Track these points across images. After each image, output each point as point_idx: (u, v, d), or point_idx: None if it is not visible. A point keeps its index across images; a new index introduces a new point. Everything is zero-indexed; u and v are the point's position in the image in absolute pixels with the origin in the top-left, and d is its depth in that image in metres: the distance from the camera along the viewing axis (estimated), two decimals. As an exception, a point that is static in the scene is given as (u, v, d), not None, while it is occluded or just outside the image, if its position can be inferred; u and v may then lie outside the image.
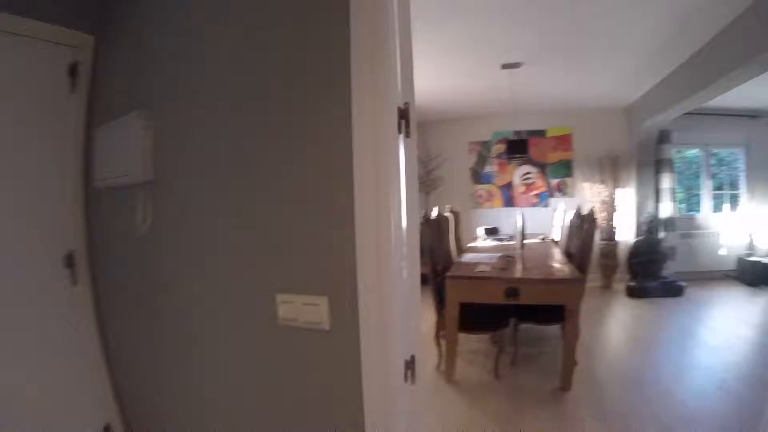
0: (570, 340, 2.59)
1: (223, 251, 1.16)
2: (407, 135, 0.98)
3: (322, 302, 1.00)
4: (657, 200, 5.35)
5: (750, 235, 5.57)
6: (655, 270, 5.01)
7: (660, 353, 3.34)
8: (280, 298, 1.05)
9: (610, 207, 5.50)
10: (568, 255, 3.65)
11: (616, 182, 5.51)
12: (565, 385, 2.58)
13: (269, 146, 1.05)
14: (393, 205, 0.95)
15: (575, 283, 2.64)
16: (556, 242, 4.54)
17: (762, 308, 4.37)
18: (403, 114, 0.95)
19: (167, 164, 1.23)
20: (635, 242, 5.31)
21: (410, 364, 1.01)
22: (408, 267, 1.00)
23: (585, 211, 4.11)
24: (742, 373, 2.85)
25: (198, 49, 1.19)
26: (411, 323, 1.04)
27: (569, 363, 2.59)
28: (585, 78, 4.28)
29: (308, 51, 0.98)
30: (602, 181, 5.54)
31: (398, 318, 0.97)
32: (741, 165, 5.80)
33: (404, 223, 0.98)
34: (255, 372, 1.14)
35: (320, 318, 1.01)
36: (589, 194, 5.61)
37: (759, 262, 5.19)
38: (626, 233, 5.56)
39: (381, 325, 0.97)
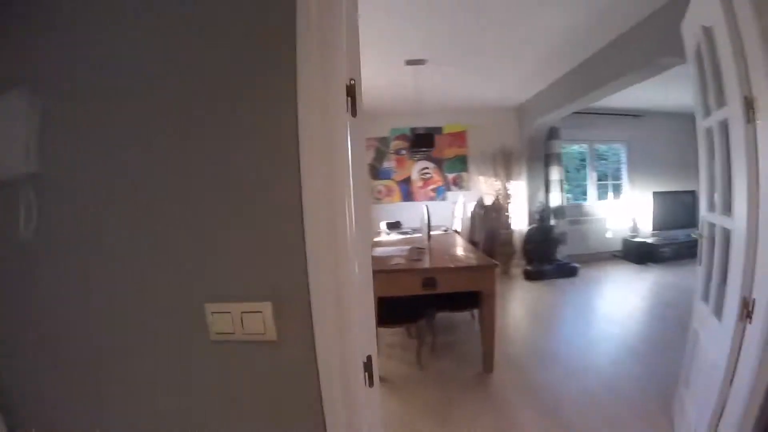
0: (488, 323, 2.71)
1: (134, 255, 0.93)
2: (354, 114, 0.90)
3: (266, 309, 0.87)
4: (547, 191, 5.90)
5: (632, 219, 6.43)
6: (549, 254, 5.53)
7: (568, 328, 3.68)
8: (210, 308, 0.88)
9: (505, 198, 5.95)
10: (473, 243, 3.84)
11: (509, 175, 5.97)
12: (488, 368, 2.70)
13: (195, 126, 0.88)
14: (346, 193, 0.86)
15: (489, 269, 2.76)
16: (459, 233, 4.77)
17: (649, 282, 5.07)
18: (350, 91, 0.87)
19: (61, 153, 0.97)
20: (529, 230, 5.79)
21: (368, 366, 0.94)
22: (360, 260, 0.92)
23: (488, 202, 4.35)
24: (646, 339, 3.26)
25: (106, 12, 0.94)
26: (366, 322, 0.97)
27: (490, 346, 2.71)
28: (484, 79, 4.51)
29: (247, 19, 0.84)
30: (496, 175, 5.97)
31: (356, 318, 0.89)
32: (623, 158, 6.63)
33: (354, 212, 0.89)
34: (186, 403, 0.94)
35: (263, 328, 0.87)
36: (484, 187, 6.01)
37: (642, 242, 6.04)
38: (520, 222, 6.05)
39: (339, 328, 0.87)
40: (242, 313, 0.87)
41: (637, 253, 6.00)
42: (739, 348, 1.41)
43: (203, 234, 0.88)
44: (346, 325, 0.88)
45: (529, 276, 5.38)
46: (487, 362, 2.71)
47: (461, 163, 6.19)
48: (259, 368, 0.90)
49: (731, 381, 1.46)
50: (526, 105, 5.72)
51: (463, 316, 3.63)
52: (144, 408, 0.95)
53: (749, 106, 1.32)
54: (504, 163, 5.94)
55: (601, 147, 6.63)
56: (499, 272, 5.73)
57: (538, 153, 5.89)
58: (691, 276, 5.07)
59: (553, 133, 5.70)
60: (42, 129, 0.92)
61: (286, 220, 0.85)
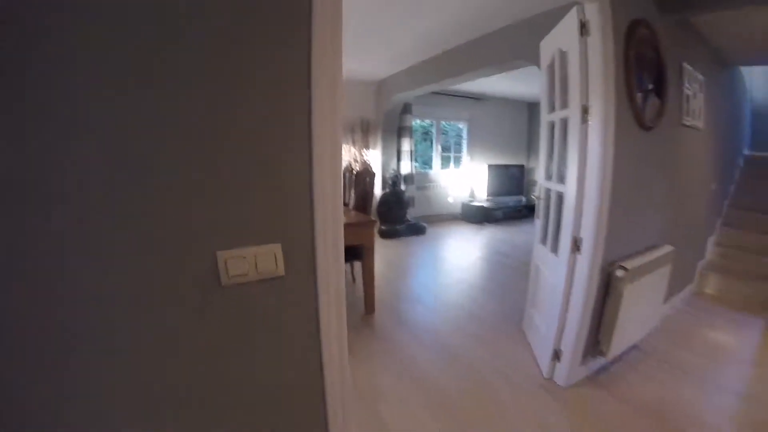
0: (369, 272, 3.15)
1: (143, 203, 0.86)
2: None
3: (277, 249, 1.03)
4: (399, 160, 6.61)
5: (470, 187, 7.69)
6: (400, 215, 6.28)
7: (425, 276, 4.39)
8: (226, 254, 0.96)
9: (366, 165, 6.45)
10: (345, 205, 4.22)
11: (366, 144, 6.49)
12: (370, 309, 3.16)
13: (209, 71, 0.89)
14: (339, 150, 1.11)
15: (370, 225, 3.16)
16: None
17: (486, 237, 6.23)
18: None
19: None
20: (383, 194, 6.43)
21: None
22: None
23: (358, 168, 4.74)
24: (491, 280, 4.17)
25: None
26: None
27: (371, 291, 3.16)
28: (352, 55, 4.68)
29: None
30: (354, 143, 6.41)
31: (343, 257, 1.16)
32: (464, 134, 7.73)
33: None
34: (200, 346, 0.98)
35: (275, 266, 1.03)
36: (344, 155, 6.41)
37: (478, 206, 7.31)
38: (376, 187, 6.67)
39: (335, 264, 1.13)
40: (257, 255, 1.00)
41: (474, 215, 7.27)
42: (573, 272, 2.15)
43: (224, 184, 0.94)
44: (339, 262, 1.14)
45: (384, 234, 6.05)
46: (369, 304, 3.17)
47: (323, 130, 6.39)
48: (270, 302, 1.06)
49: (569, 296, 2.19)
50: (387, 81, 6.16)
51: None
52: (156, 361, 0.93)
53: (585, 111, 1.99)
54: (362, 132, 6.39)
55: (446, 123, 7.61)
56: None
57: (393, 125, 6.51)
58: (517, 232, 6.44)
59: (406, 108, 6.36)
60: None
61: (298, 171, 1.02)
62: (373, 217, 6.43)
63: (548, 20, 2.68)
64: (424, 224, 6.36)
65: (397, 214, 6.24)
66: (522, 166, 7.88)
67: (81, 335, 0.84)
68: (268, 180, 1.00)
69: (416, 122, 7.15)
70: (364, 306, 3.18)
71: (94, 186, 0.80)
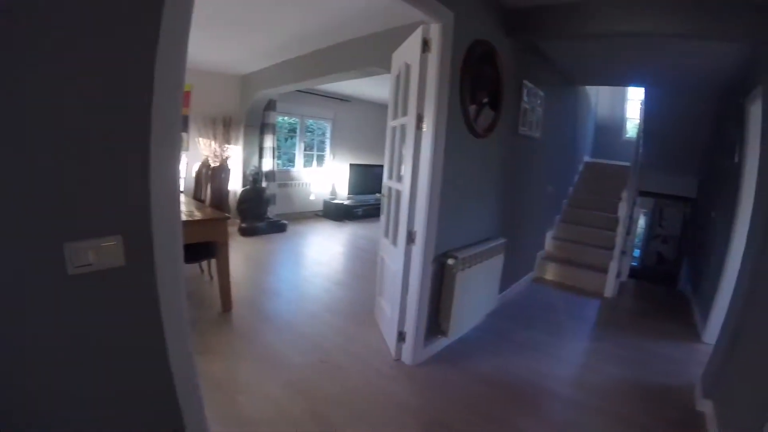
0: (224, 268, 3.12)
1: None
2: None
3: (118, 240, 1.07)
4: (261, 156, 6.51)
5: (332, 185, 7.84)
6: (261, 213, 6.20)
7: (284, 271, 4.47)
8: (71, 246, 0.98)
9: (222, 161, 6.19)
10: (200, 201, 4.06)
11: (228, 140, 6.25)
12: (227, 307, 3.12)
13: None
14: (179, 140, 1.18)
15: (223, 221, 3.13)
16: (182, 191, 4.78)
17: (346, 234, 6.47)
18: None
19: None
20: (243, 191, 6.26)
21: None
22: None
23: (214, 164, 4.59)
24: (348, 272, 4.45)
25: None
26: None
27: (227, 288, 3.13)
28: (218, 46, 4.50)
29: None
30: (215, 138, 6.12)
31: (182, 249, 1.23)
32: (327, 133, 7.86)
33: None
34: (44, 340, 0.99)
35: (115, 257, 1.07)
36: (203, 149, 6.08)
37: (339, 203, 7.50)
38: (235, 184, 6.45)
39: (173, 256, 1.19)
40: (100, 246, 1.04)
41: (335, 213, 7.49)
42: (409, 261, 2.46)
43: (63, 174, 0.96)
44: (178, 254, 1.21)
45: (244, 232, 5.91)
46: (226, 302, 3.13)
47: (182, 123, 5.95)
48: (114, 291, 1.09)
49: (408, 283, 2.48)
50: (252, 77, 6.03)
51: (192, 269, 3.86)
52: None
53: (419, 119, 2.32)
54: (224, 127, 6.13)
55: (310, 121, 7.67)
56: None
57: (256, 121, 6.39)
58: (376, 228, 6.91)
59: (270, 105, 6.30)
60: None
61: (134, 161, 1.07)
62: (234, 214, 6.25)
63: (404, 32, 2.98)
64: (285, 222, 6.38)
65: (257, 211, 6.14)
66: (382, 167, 8.36)
67: None
68: (108, 173, 1.04)
69: (281, 119, 7.11)
70: (222, 303, 3.13)
71: None
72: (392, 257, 2.73)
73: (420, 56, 2.30)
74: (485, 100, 2.82)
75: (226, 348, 2.62)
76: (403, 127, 2.61)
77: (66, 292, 1.00)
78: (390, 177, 2.89)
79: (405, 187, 2.49)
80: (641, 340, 3.25)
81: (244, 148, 6.44)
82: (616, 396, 2.43)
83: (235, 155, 6.37)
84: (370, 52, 3.69)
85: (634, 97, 7.89)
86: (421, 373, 2.50)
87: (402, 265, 2.52)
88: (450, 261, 2.61)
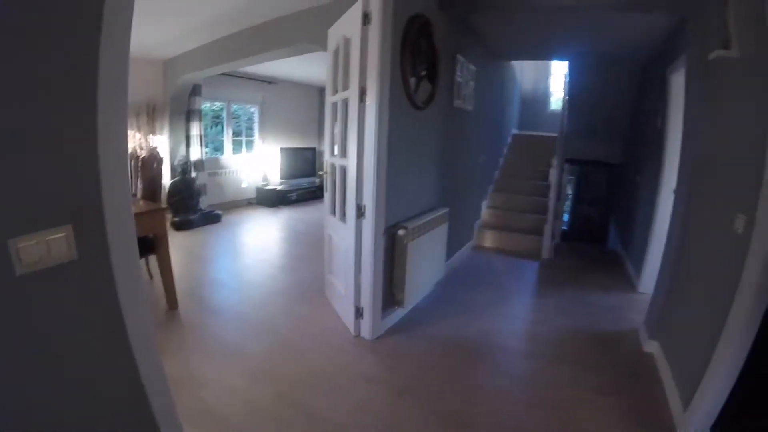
0: (166, 264, 2.94)
1: None
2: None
3: (68, 231, 0.97)
4: (188, 145, 6.12)
5: (264, 171, 7.51)
6: (193, 204, 5.86)
7: (225, 262, 4.29)
8: (16, 242, 0.86)
9: (152, 151, 5.74)
10: (132, 195, 3.77)
11: (153, 129, 5.80)
12: (173, 305, 2.96)
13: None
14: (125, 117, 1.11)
15: (160, 213, 2.92)
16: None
17: (282, 219, 6.32)
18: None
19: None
20: (172, 183, 5.87)
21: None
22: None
23: (142, 154, 4.27)
24: (289, 256, 4.37)
25: None
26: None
27: (171, 285, 2.95)
28: (142, 27, 4.14)
29: None
30: (139, 128, 5.66)
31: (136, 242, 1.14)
32: (255, 118, 7.51)
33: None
34: None
35: (66, 250, 0.96)
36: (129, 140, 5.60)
37: (273, 189, 7.25)
38: (163, 175, 6.02)
39: (128, 248, 1.11)
40: (48, 239, 0.92)
41: (269, 199, 7.25)
42: (360, 236, 2.46)
43: (11, 165, 0.86)
44: (133, 243, 1.13)
45: (178, 226, 5.56)
46: (171, 299, 2.96)
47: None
48: (65, 292, 0.98)
49: (361, 258, 2.49)
50: (174, 61, 5.63)
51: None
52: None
53: (363, 92, 2.30)
54: (147, 117, 5.67)
55: (237, 106, 7.31)
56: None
57: (181, 108, 5.98)
58: (313, 211, 6.78)
59: (195, 90, 5.91)
60: None
61: (84, 147, 0.97)
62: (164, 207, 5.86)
63: (337, 8, 2.90)
64: (219, 212, 6.10)
65: (188, 203, 5.80)
66: (314, 149, 8.24)
67: None
68: (55, 158, 0.94)
69: (206, 105, 6.72)
70: (167, 301, 2.95)
71: None
72: (341, 234, 2.73)
73: (361, 29, 2.28)
74: (423, 72, 2.88)
75: (180, 346, 2.50)
76: (344, 102, 2.58)
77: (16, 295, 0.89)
78: (333, 153, 2.86)
79: (351, 161, 2.49)
80: (582, 294, 3.57)
81: (170, 138, 6.04)
82: (566, 344, 2.67)
83: (161, 145, 5.93)
84: (301, 29, 3.59)
85: (557, 71, 8.42)
86: (381, 346, 2.56)
87: (353, 241, 2.53)
88: (401, 232, 2.66)
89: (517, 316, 3.11)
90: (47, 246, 0.93)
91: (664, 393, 2.14)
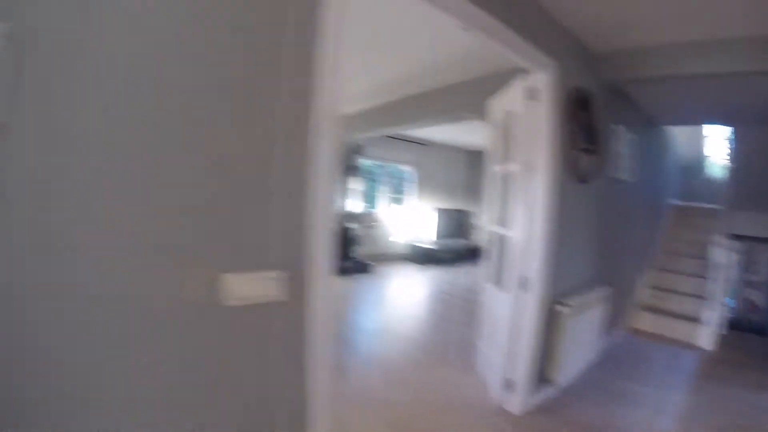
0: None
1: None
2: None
3: (279, 275, 1.14)
4: (346, 198, 6.81)
5: (417, 228, 7.91)
6: (346, 253, 6.40)
7: (374, 310, 4.54)
8: (229, 278, 1.06)
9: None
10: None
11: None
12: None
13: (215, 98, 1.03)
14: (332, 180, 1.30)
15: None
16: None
17: (429, 277, 6.47)
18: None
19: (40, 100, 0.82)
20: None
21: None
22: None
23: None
24: (437, 315, 4.44)
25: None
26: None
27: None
28: None
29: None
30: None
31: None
32: (411, 177, 8.02)
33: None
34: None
35: (275, 291, 1.14)
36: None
37: (423, 247, 7.56)
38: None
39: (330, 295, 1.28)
40: (256, 280, 1.11)
41: (419, 256, 7.50)
42: (521, 308, 2.40)
43: (231, 216, 1.07)
44: (330, 290, 1.29)
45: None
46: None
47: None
48: (273, 327, 1.17)
49: (518, 328, 2.41)
50: (346, 120, 6.44)
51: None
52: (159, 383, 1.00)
53: (529, 166, 2.33)
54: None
55: (393, 165, 7.87)
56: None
57: (343, 165, 6.74)
58: (460, 274, 6.70)
59: (358, 149, 6.64)
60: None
61: (297, 206, 1.18)
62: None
63: (497, 79, 3.04)
64: (370, 263, 6.51)
65: (343, 251, 6.34)
66: (465, 211, 8.38)
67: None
68: (285, 209, 1.16)
69: (367, 162, 7.40)
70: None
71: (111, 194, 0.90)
72: (498, 303, 2.66)
73: (525, 104, 2.34)
74: (584, 145, 2.80)
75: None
76: (507, 174, 2.62)
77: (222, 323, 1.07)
78: (495, 223, 2.88)
79: (515, 232, 2.47)
80: (745, 393, 2.88)
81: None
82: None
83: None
84: (462, 99, 3.78)
85: (713, 133, 7.30)
86: (528, 423, 2.35)
87: (510, 311, 2.44)
88: (563, 309, 2.51)
89: (671, 411, 2.62)
90: (254, 285, 1.11)
91: None
